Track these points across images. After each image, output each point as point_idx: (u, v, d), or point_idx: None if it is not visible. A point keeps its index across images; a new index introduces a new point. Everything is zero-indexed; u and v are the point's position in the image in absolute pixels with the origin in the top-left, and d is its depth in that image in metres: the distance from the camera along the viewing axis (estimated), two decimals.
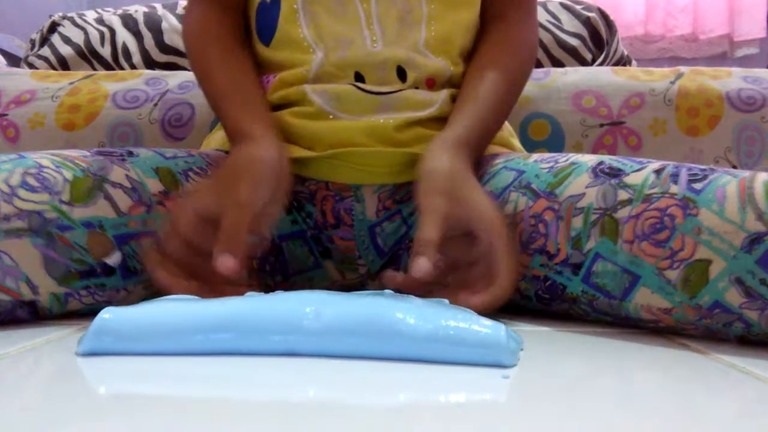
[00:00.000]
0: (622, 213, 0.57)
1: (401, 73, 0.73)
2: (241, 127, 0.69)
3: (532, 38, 0.81)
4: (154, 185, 0.65)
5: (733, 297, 0.52)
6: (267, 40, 0.76)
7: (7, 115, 1.01)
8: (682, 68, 1.03)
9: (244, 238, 0.59)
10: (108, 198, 0.61)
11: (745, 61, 2.66)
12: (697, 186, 0.55)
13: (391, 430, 0.34)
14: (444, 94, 0.73)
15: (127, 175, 0.63)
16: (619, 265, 0.56)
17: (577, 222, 0.59)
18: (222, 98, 0.73)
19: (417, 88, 0.73)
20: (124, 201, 0.62)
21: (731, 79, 1.00)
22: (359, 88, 0.71)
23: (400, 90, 0.72)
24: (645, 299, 0.56)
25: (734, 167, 0.98)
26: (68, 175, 0.61)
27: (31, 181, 0.59)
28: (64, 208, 0.59)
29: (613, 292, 0.57)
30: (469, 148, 0.68)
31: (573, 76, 1.02)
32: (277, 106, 0.74)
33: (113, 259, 0.61)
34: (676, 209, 0.54)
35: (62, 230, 0.59)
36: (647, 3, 2.69)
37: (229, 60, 0.75)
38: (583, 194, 0.59)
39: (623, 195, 0.57)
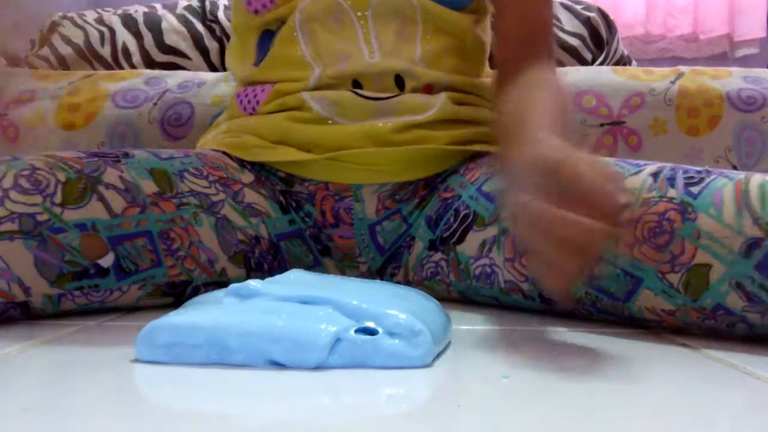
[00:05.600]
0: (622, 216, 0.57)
1: (399, 82, 0.73)
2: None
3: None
4: (148, 186, 0.65)
5: (735, 301, 0.52)
6: (257, 62, 0.78)
7: (7, 115, 1.01)
8: (682, 68, 1.03)
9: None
10: (101, 199, 0.62)
11: (745, 61, 2.65)
12: (694, 189, 0.55)
13: (394, 430, 0.34)
14: (442, 98, 0.73)
15: (120, 177, 0.64)
16: (621, 269, 0.56)
17: None
18: None
19: (414, 93, 0.73)
20: (117, 202, 0.62)
21: (731, 79, 1.00)
22: (357, 94, 0.72)
23: (398, 95, 0.72)
24: (648, 302, 0.56)
25: (734, 167, 0.98)
26: (61, 177, 0.61)
27: (24, 183, 0.59)
28: (56, 210, 0.59)
29: (616, 294, 0.57)
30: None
31: (573, 76, 1.02)
32: (274, 112, 0.75)
33: (106, 260, 0.61)
34: (674, 213, 0.54)
35: (55, 232, 0.59)
36: (647, 3, 2.69)
37: None
38: None
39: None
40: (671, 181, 0.56)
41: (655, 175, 0.57)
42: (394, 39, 0.74)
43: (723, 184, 0.54)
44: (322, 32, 0.74)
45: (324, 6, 0.74)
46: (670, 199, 0.55)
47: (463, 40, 0.77)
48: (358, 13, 0.74)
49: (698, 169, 0.58)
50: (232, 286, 0.50)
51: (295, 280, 0.53)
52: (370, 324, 0.45)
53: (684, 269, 0.54)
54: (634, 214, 0.55)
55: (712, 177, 0.56)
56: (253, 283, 0.49)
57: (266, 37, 0.77)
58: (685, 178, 0.56)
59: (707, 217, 0.53)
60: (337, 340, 0.44)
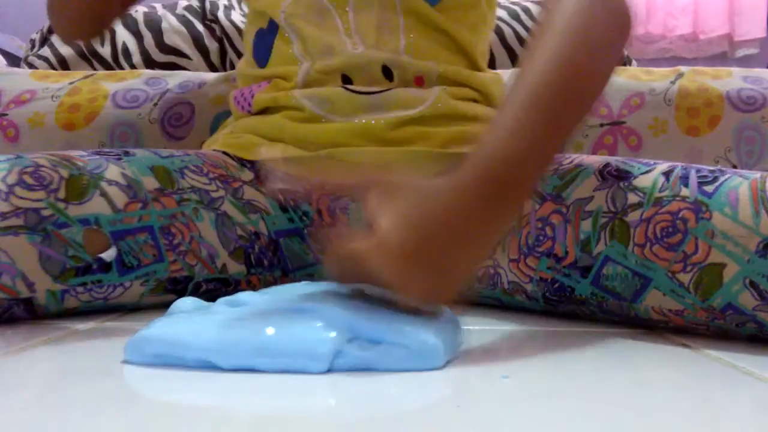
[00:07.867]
0: (633, 216, 0.57)
1: (387, 73, 0.73)
2: None
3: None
4: (149, 182, 0.65)
5: (747, 300, 0.52)
6: (263, 63, 0.79)
7: (7, 114, 1.01)
8: (682, 68, 1.03)
9: None
10: (104, 195, 0.62)
11: (745, 61, 2.66)
12: (709, 189, 0.55)
13: (392, 429, 0.34)
14: (436, 91, 0.73)
15: (122, 173, 0.64)
16: (630, 268, 0.56)
17: (586, 225, 0.59)
18: None
19: (406, 86, 0.73)
20: (119, 198, 0.63)
21: (731, 79, 1.00)
22: (348, 89, 0.72)
23: (389, 89, 0.72)
24: (656, 301, 0.56)
25: (734, 167, 0.98)
26: (64, 173, 0.61)
27: (28, 179, 0.60)
28: (61, 205, 0.60)
29: (623, 294, 0.57)
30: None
31: None
32: (269, 108, 0.76)
33: (108, 254, 0.61)
34: (688, 212, 0.54)
35: (59, 227, 0.59)
36: (647, 3, 2.69)
37: None
38: (592, 197, 0.59)
39: (633, 198, 0.57)
40: (684, 180, 0.56)
41: (667, 174, 0.57)
42: (375, 31, 0.74)
43: (738, 183, 0.54)
44: (306, 27, 0.75)
45: (306, 3, 0.75)
46: (684, 198, 0.55)
47: (450, 35, 0.76)
48: (339, 9, 0.75)
49: (711, 168, 0.58)
50: (223, 298, 0.50)
51: (301, 291, 0.52)
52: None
53: (697, 268, 0.54)
54: None
55: (727, 176, 0.56)
56: (246, 295, 0.49)
57: (261, 37, 0.78)
58: (699, 177, 0.56)
59: (722, 216, 0.53)
60: (339, 351, 0.43)
